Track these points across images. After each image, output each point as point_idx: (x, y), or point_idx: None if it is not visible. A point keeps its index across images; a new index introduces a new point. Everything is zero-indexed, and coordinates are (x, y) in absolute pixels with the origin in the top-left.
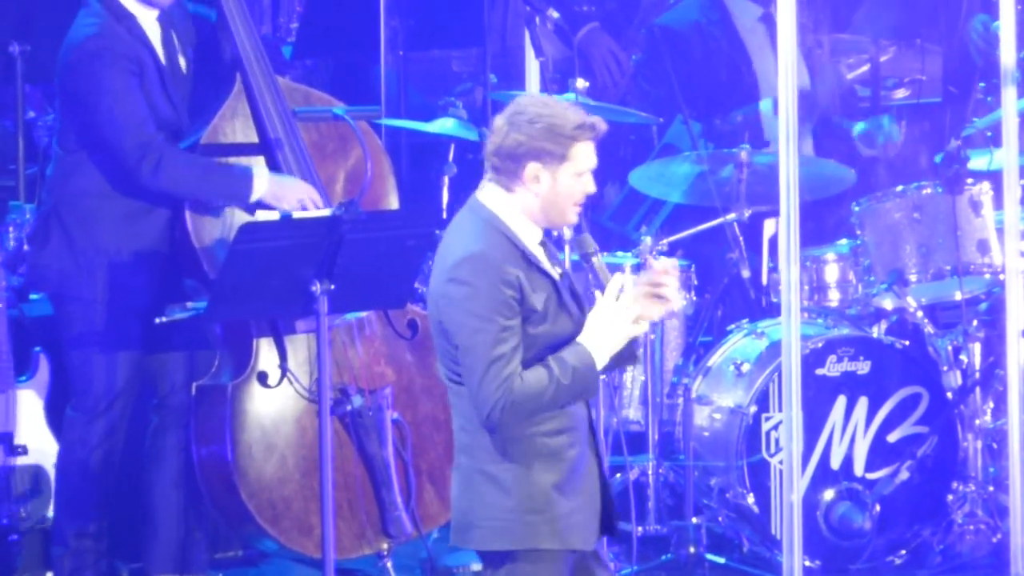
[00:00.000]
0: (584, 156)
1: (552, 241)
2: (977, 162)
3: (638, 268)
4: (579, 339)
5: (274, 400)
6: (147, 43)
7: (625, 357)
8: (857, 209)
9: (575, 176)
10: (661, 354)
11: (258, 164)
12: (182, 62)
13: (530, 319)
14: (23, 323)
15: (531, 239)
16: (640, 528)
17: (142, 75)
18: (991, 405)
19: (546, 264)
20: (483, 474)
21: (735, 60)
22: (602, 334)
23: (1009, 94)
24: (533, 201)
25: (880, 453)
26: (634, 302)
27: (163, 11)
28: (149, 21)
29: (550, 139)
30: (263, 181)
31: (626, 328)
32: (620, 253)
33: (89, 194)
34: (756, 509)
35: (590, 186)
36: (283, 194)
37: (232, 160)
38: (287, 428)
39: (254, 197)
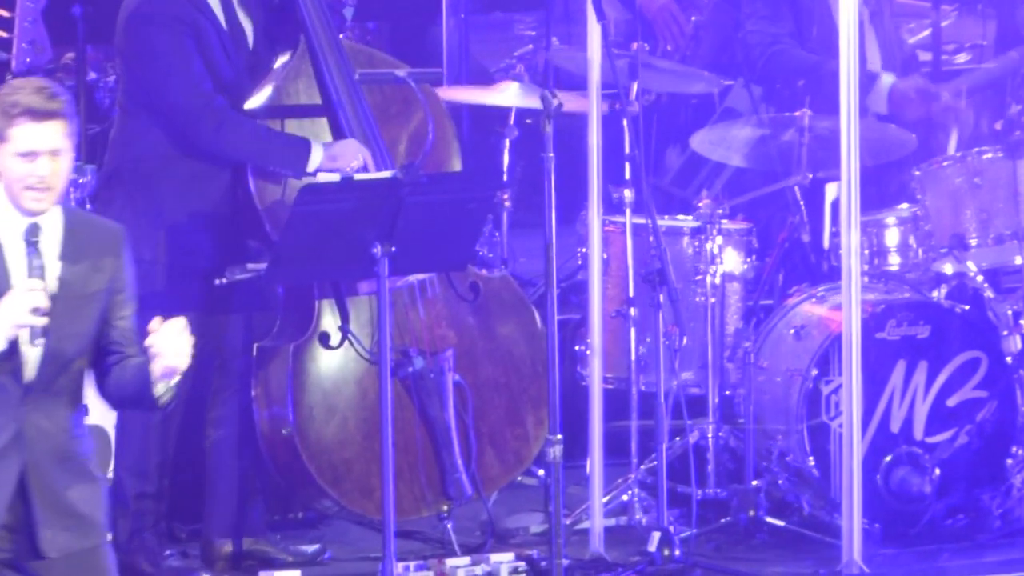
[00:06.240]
0: (23, 137)
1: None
2: None
3: (697, 232)
4: None
5: (335, 362)
6: (205, 7)
7: None
8: (918, 174)
9: (16, 157)
10: (722, 317)
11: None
12: (246, 26)
13: None
14: None
15: (9, 223)
16: (700, 491)
17: (198, 38)
18: None
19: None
20: None
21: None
22: None
23: None
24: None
25: (940, 417)
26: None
27: None
28: None
29: None
30: (319, 152)
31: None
32: (681, 216)
33: (152, 155)
34: (816, 472)
35: (40, 170)
36: (339, 153)
37: (295, 123)
38: (348, 390)
39: (311, 167)
